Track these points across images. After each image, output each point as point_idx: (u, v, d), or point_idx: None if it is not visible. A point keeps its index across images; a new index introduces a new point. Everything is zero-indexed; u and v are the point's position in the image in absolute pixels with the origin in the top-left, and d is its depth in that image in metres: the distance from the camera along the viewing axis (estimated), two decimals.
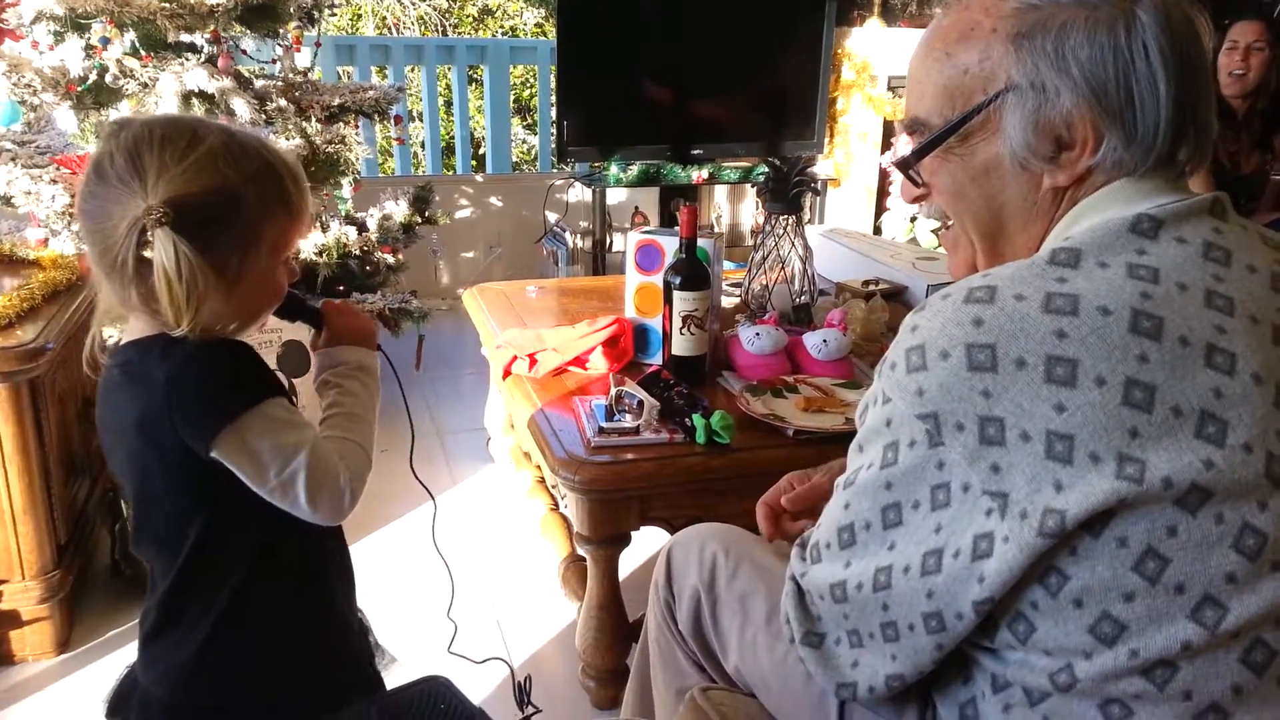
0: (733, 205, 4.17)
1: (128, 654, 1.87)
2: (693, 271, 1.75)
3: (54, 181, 2.45)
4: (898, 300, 2.20)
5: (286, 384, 1.10)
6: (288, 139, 2.67)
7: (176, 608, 1.04)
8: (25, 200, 2.41)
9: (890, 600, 0.77)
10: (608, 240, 3.78)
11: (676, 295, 1.75)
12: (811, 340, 1.82)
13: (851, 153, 4.20)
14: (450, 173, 5.61)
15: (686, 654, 1.18)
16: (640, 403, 1.61)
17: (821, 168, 4.13)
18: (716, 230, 4.06)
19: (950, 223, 0.91)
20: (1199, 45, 0.78)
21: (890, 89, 4.05)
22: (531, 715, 0.90)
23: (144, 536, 1.07)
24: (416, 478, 1.31)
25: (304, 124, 2.76)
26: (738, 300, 2.22)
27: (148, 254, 0.92)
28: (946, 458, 0.72)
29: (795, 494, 1.10)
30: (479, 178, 4.25)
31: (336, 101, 2.82)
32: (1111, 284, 0.71)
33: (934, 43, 0.84)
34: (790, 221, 2.05)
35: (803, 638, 0.86)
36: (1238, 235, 0.77)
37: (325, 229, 2.86)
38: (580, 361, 1.85)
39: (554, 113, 3.63)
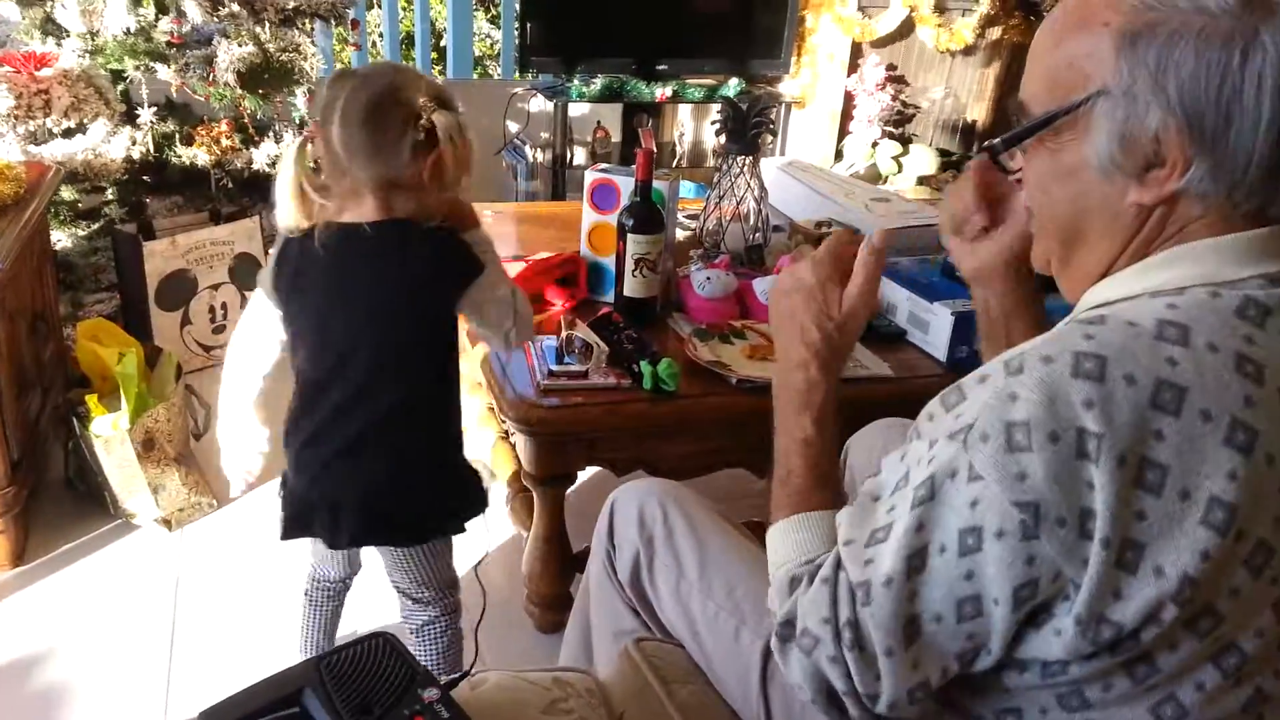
0: (696, 123, 4.13)
1: (83, 567, 1.93)
2: (647, 215, 1.77)
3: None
4: None
5: None
6: (240, 45, 2.60)
7: (405, 424, 1.36)
8: None
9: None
10: (569, 155, 3.75)
11: (630, 238, 1.77)
12: (761, 286, 1.86)
13: (818, 73, 4.16)
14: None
15: (625, 601, 1.26)
16: (590, 346, 1.65)
17: (787, 88, 4.09)
18: (679, 149, 4.04)
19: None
20: None
21: (860, 9, 4.00)
22: (470, 670, 0.96)
23: (384, 377, 1.34)
24: None
25: (257, 29, 2.68)
26: (692, 233, 2.24)
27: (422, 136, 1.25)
28: (1039, 552, 0.68)
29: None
30: (439, 81, 4.16)
31: (291, 4, 2.73)
32: (1219, 378, 0.67)
33: (1054, 24, 0.78)
34: (747, 162, 2.06)
35: None
36: None
37: (279, 139, 2.81)
38: (534, 297, 1.87)
39: (518, 7, 3.55)
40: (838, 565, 0.78)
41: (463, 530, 1.45)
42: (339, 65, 5.44)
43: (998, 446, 0.68)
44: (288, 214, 1.30)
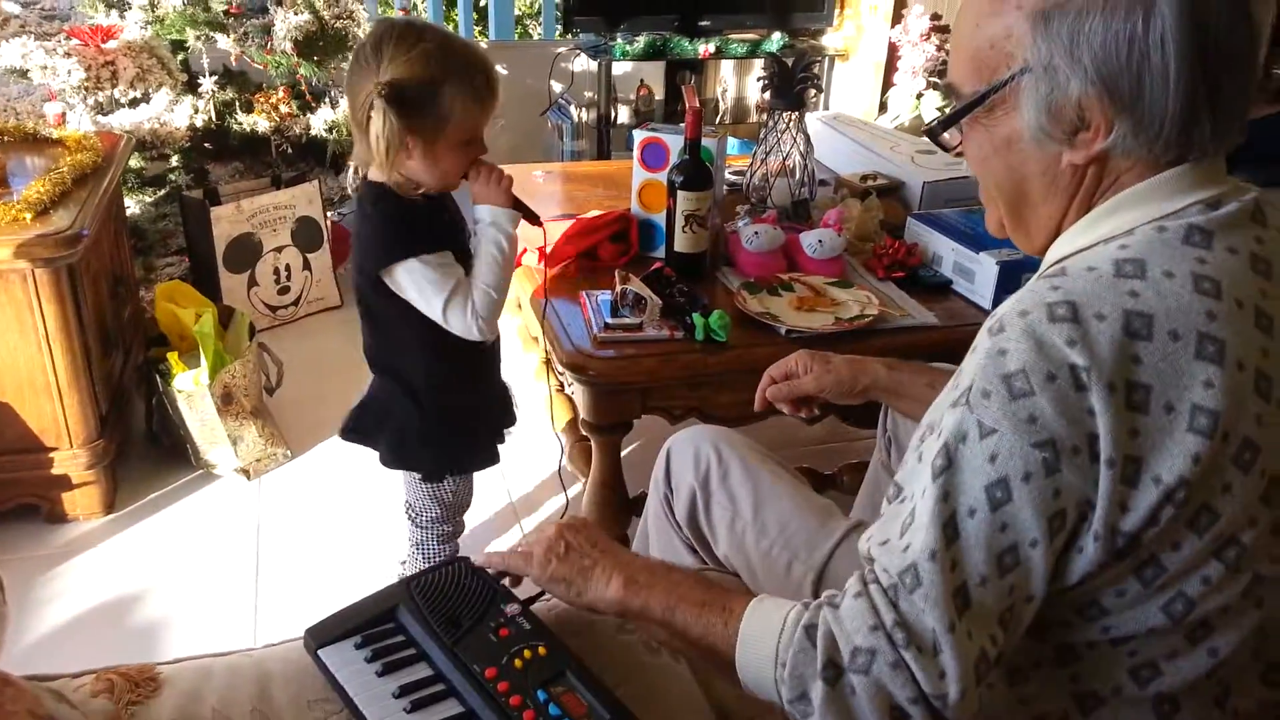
0: (739, 79, 4.14)
1: (170, 515, 2.06)
2: (696, 172, 1.83)
3: (68, 55, 2.47)
4: (893, 197, 2.27)
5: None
6: (296, 14, 2.68)
7: (376, 366, 1.56)
8: (41, 75, 2.44)
9: (1008, 637, 0.77)
10: (613, 114, 3.79)
11: (680, 195, 1.83)
12: (807, 239, 1.91)
13: (862, 26, 4.15)
14: (452, 28, 5.51)
15: (682, 540, 1.34)
16: (643, 300, 1.72)
17: (830, 41, 4.09)
18: (721, 106, 4.06)
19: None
20: (1240, 16, 0.76)
21: None
22: (540, 595, 1.05)
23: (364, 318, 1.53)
24: None
25: None
26: (739, 190, 2.29)
27: (371, 113, 1.31)
28: (1063, 484, 0.73)
29: (776, 391, 1.30)
30: (484, 44, 4.21)
31: None
32: (1180, 300, 0.74)
33: (972, 8, 0.84)
34: (793, 118, 2.10)
35: None
36: (1276, 243, 0.80)
37: (334, 105, 2.90)
38: (587, 254, 1.94)
39: None
40: (863, 581, 0.79)
41: (410, 470, 1.61)
42: None
43: (1002, 398, 0.73)
44: None
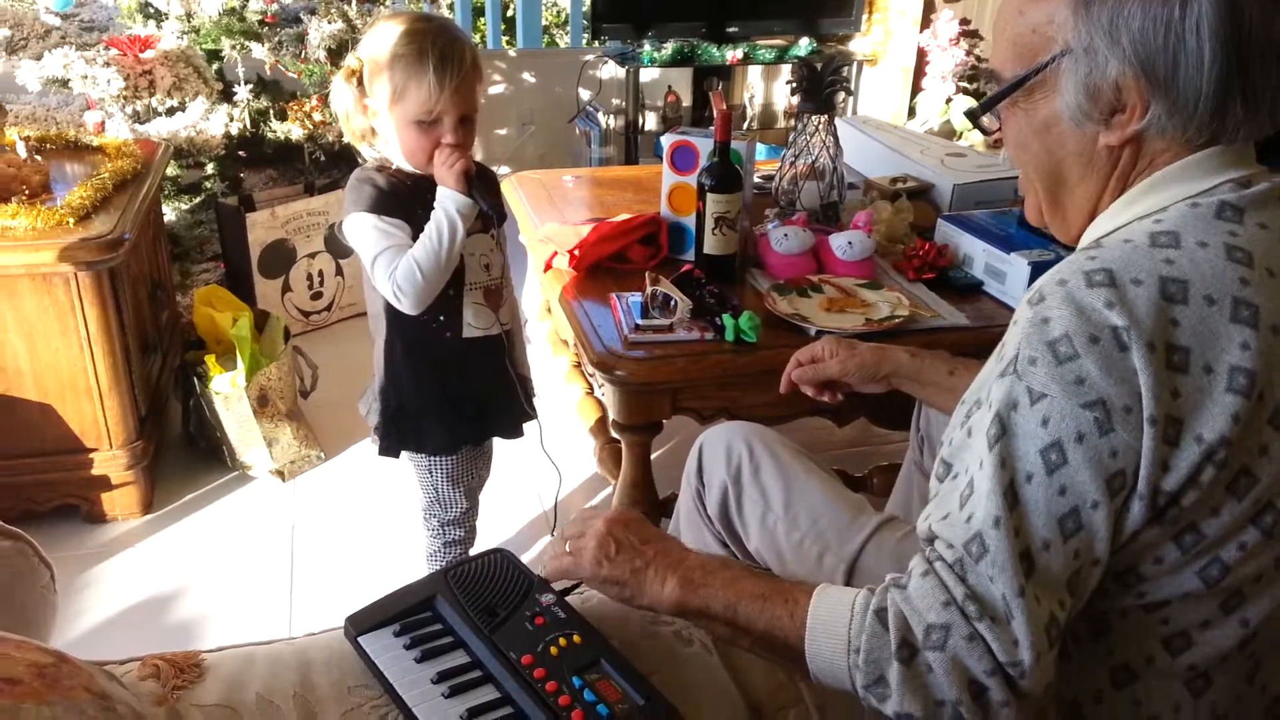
0: (766, 85, 4.16)
1: (207, 515, 2.09)
2: (725, 174, 1.84)
3: (107, 65, 2.53)
4: (924, 199, 2.27)
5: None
6: (330, 23, 2.72)
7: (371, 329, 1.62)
8: (82, 84, 2.49)
9: (1075, 602, 0.78)
10: (640, 121, 3.81)
11: (709, 197, 1.84)
12: (837, 241, 1.91)
13: (890, 30, 4.15)
14: (480, 38, 5.57)
15: (714, 534, 1.35)
16: (674, 301, 1.73)
17: (859, 46, 4.09)
18: (749, 111, 4.07)
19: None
20: (1274, 12, 0.79)
21: None
22: (579, 584, 1.06)
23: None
24: None
25: (345, 6, 2.80)
26: (769, 194, 2.30)
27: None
28: (1118, 443, 0.74)
29: (802, 374, 1.35)
30: (512, 52, 4.25)
31: None
32: (1215, 267, 0.76)
33: None
34: (822, 121, 2.11)
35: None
36: None
37: None
38: (617, 257, 1.96)
39: None
40: (928, 560, 0.80)
41: (389, 455, 1.64)
42: None
43: (1048, 363, 0.76)
44: None
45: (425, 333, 1.54)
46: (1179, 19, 0.78)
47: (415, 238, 1.46)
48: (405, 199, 1.48)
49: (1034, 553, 0.76)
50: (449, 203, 1.45)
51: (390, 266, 1.44)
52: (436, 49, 1.39)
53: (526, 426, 1.73)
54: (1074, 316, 0.75)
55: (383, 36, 1.41)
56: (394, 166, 1.50)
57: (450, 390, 1.61)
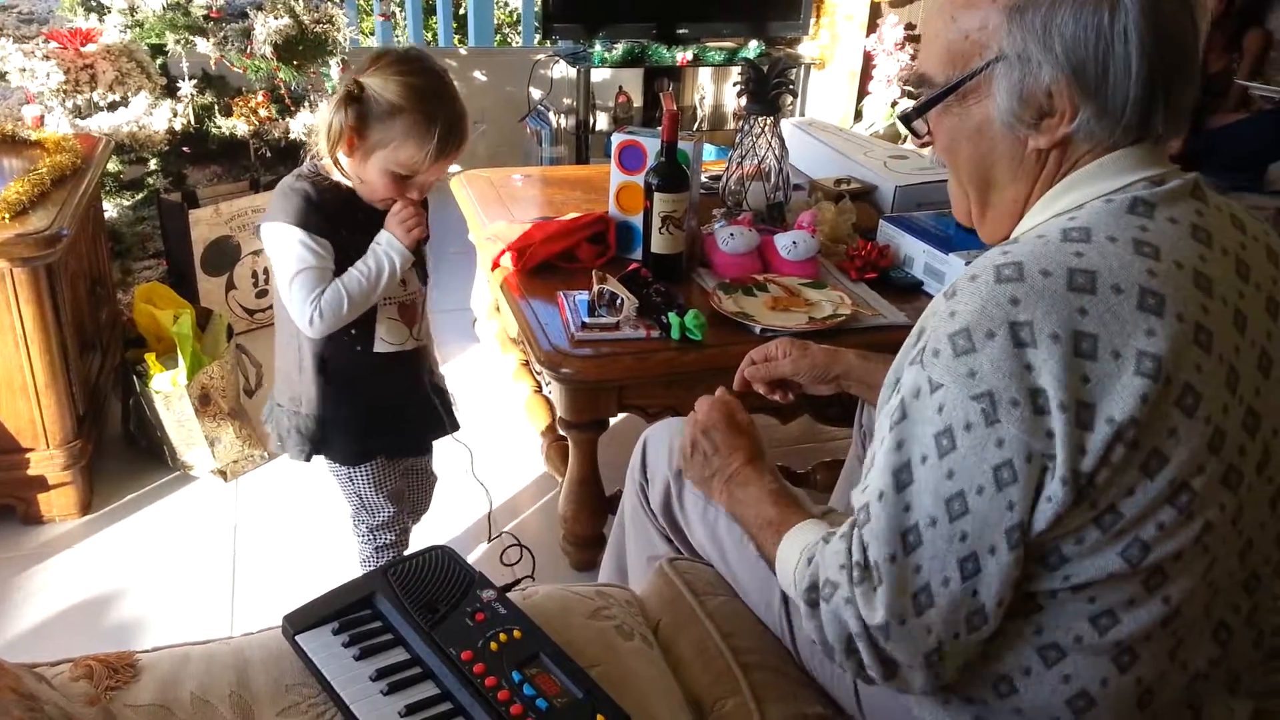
0: (716, 87, 4.18)
1: (147, 515, 2.06)
2: (672, 174, 1.86)
3: (47, 58, 2.47)
4: (867, 200, 2.31)
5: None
6: (276, 18, 2.69)
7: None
8: (20, 77, 2.44)
9: (979, 585, 0.81)
10: (591, 121, 3.82)
11: (657, 196, 1.86)
12: (782, 241, 1.94)
13: (837, 34, 4.21)
14: (431, 37, 5.53)
15: (657, 529, 1.36)
16: (621, 300, 1.74)
17: (806, 49, 4.14)
18: (699, 113, 4.10)
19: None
20: (1187, 18, 0.83)
21: None
22: (520, 580, 1.06)
23: None
24: None
25: (293, 2, 2.77)
26: (715, 194, 2.32)
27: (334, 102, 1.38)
28: (1004, 434, 0.77)
29: (754, 372, 1.38)
30: (463, 50, 4.23)
31: None
32: (1122, 260, 0.79)
33: (946, 3, 0.90)
34: (768, 122, 2.14)
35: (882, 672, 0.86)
36: (1214, 217, 0.86)
37: (314, 109, 2.91)
38: (566, 255, 1.96)
39: None
40: (852, 524, 0.87)
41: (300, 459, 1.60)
42: (362, 35, 5.52)
43: (947, 356, 0.80)
44: None
45: (335, 345, 1.51)
46: (1108, 25, 0.81)
47: (337, 258, 1.44)
48: (333, 215, 1.44)
49: (920, 528, 0.81)
50: (395, 255, 1.45)
51: (313, 289, 1.41)
52: (444, 118, 1.38)
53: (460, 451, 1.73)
54: (976, 312, 0.79)
55: (393, 79, 1.36)
56: (331, 179, 1.45)
57: (359, 404, 1.57)
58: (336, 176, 1.44)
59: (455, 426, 1.68)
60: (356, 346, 1.52)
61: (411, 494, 1.75)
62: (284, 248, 1.42)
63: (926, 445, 0.81)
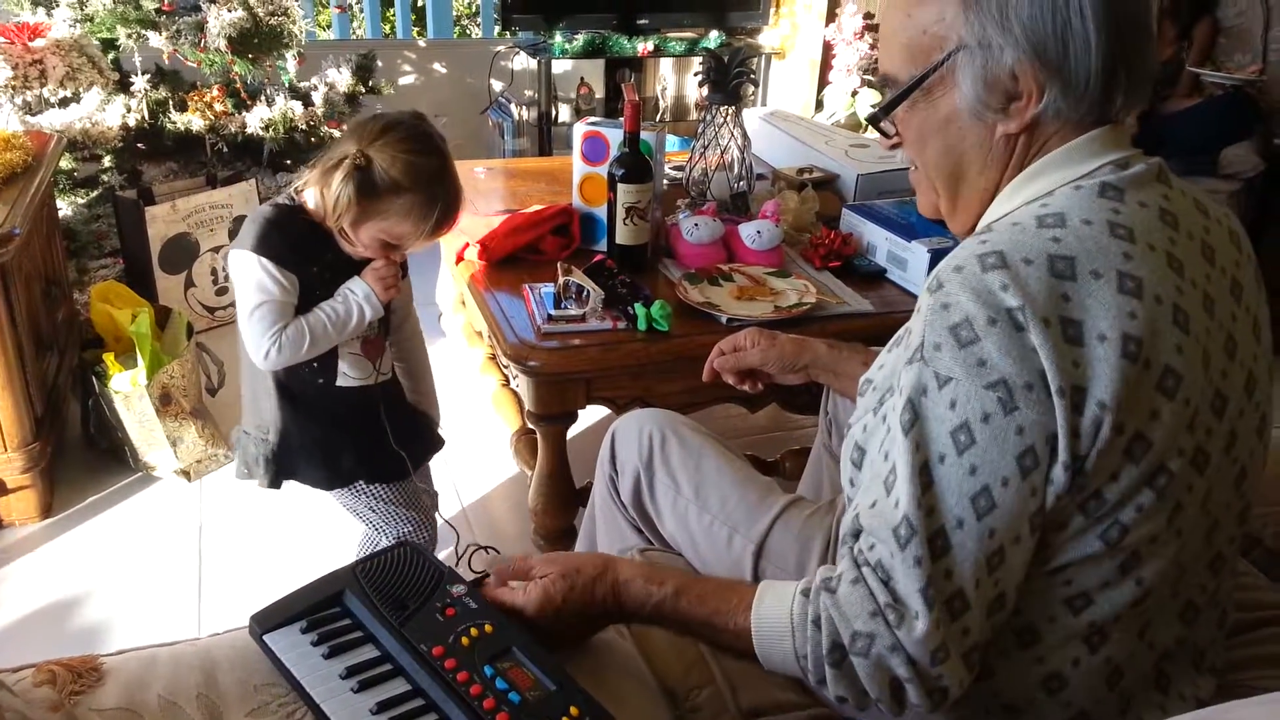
0: (678, 77, 4.18)
1: (110, 518, 2.03)
2: (635, 165, 1.85)
3: None
4: (829, 189, 2.32)
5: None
6: (230, 11, 2.65)
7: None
8: None
9: (1003, 574, 0.80)
10: (554, 112, 3.81)
11: (620, 188, 1.85)
12: (746, 231, 1.95)
13: (797, 24, 4.22)
14: (389, 29, 5.48)
15: (627, 520, 1.36)
16: (586, 292, 1.74)
17: (767, 39, 4.15)
18: (661, 104, 4.10)
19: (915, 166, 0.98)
20: None
21: None
22: (486, 576, 1.06)
23: None
24: None
25: None
26: (679, 184, 2.32)
27: (339, 171, 1.37)
28: (1024, 420, 0.77)
29: (724, 362, 1.36)
30: (421, 43, 4.20)
31: None
32: (1099, 243, 0.80)
33: (898, 2, 0.90)
34: (730, 112, 2.14)
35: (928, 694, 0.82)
36: (1179, 201, 0.87)
37: (270, 103, 2.87)
38: (530, 248, 1.96)
39: None
40: (856, 566, 0.83)
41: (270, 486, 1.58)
42: (319, 28, 5.45)
43: (952, 348, 0.79)
44: None
45: (298, 377, 1.51)
46: (1064, 2, 0.82)
47: (302, 294, 1.44)
48: (305, 250, 1.44)
49: (948, 531, 0.79)
50: (367, 308, 1.46)
51: (272, 324, 1.41)
52: (445, 202, 1.42)
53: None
54: (972, 301, 0.78)
55: (400, 157, 1.38)
56: (307, 214, 1.44)
57: (324, 431, 1.56)
58: (312, 206, 1.44)
59: (438, 445, 1.69)
60: (319, 380, 1.52)
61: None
62: (248, 278, 1.41)
63: (943, 444, 0.79)
